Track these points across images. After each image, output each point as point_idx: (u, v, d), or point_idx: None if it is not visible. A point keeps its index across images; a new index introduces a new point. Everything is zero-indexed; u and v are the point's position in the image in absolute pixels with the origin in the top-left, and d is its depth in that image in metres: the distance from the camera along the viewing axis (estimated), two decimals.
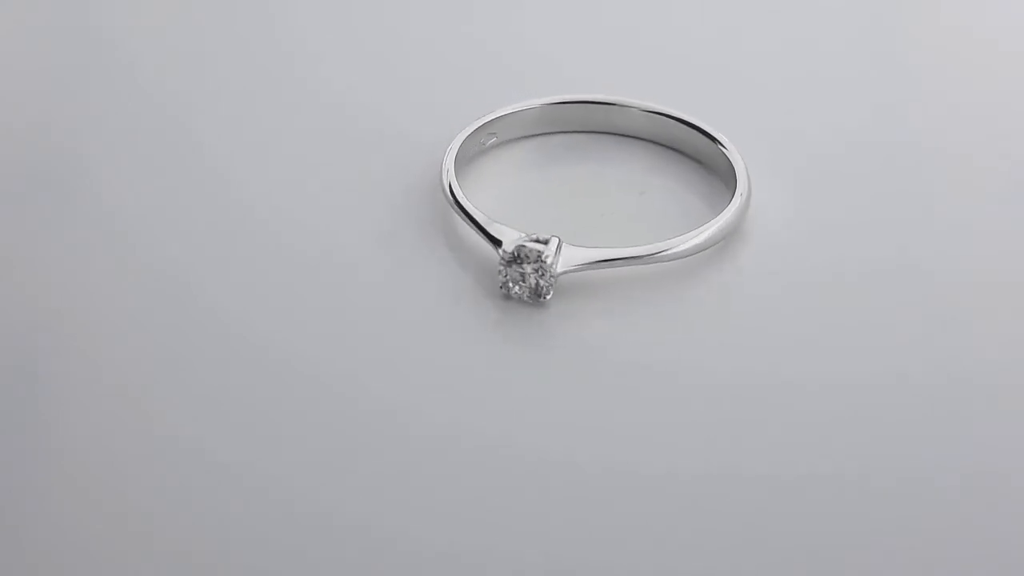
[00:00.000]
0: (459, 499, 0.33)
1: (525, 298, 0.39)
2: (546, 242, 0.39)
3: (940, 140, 0.45)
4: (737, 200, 0.41)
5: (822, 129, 0.46)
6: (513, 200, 0.42)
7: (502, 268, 0.38)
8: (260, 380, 0.36)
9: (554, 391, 0.36)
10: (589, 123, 0.45)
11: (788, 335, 0.38)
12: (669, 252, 0.39)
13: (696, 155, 0.44)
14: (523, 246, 0.38)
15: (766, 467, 0.34)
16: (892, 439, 0.35)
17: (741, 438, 0.35)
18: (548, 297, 0.39)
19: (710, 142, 0.43)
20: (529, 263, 0.38)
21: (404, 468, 0.34)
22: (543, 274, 0.38)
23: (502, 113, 0.44)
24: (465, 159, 0.43)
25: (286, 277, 0.40)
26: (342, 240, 0.41)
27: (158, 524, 0.33)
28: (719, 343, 0.38)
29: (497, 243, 0.39)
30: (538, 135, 0.45)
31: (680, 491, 0.34)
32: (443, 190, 0.41)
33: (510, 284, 0.39)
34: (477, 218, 0.40)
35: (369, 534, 0.33)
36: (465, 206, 0.40)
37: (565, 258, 0.39)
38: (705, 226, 0.40)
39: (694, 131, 0.44)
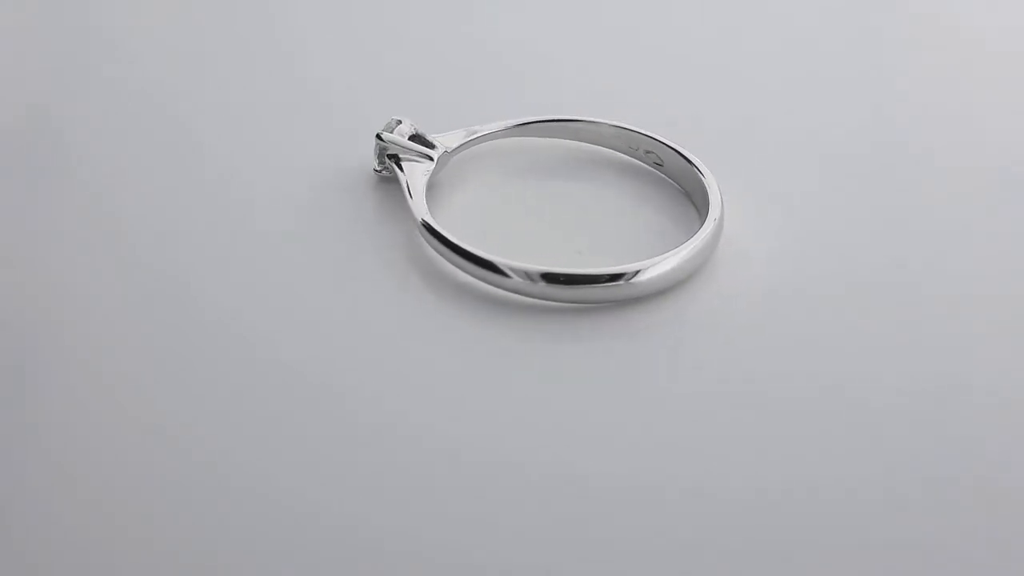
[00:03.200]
0: (460, 502, 0.34)
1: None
2: (425, 145, 0.42)
3: (934, 148, 0.45)
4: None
5: (809, 138, 0.46)
6: (477, 215, 0.42)
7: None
8: (248, 376, 0.37)
9: (521, 403, 0.36)
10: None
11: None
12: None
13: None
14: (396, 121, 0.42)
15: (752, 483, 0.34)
16: (882, 457, 0.35)
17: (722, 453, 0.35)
18: (376, 169, 0.42)
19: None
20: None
21: (384, 464, 0.35)
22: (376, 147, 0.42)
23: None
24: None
25: (282, 276, 0.40)
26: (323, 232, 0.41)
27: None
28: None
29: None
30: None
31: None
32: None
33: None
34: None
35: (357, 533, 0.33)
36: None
37: (409, 173, 0.41)
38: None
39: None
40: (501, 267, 0.38)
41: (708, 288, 0.39)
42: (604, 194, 0.43)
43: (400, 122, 0.42)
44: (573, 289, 0.38)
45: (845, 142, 0.45)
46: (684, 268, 0.39)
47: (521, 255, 0.38)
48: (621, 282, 0.38)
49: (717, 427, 0.35)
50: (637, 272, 0.38)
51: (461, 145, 0.43)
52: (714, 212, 0.40)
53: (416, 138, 0.42)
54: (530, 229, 0.41)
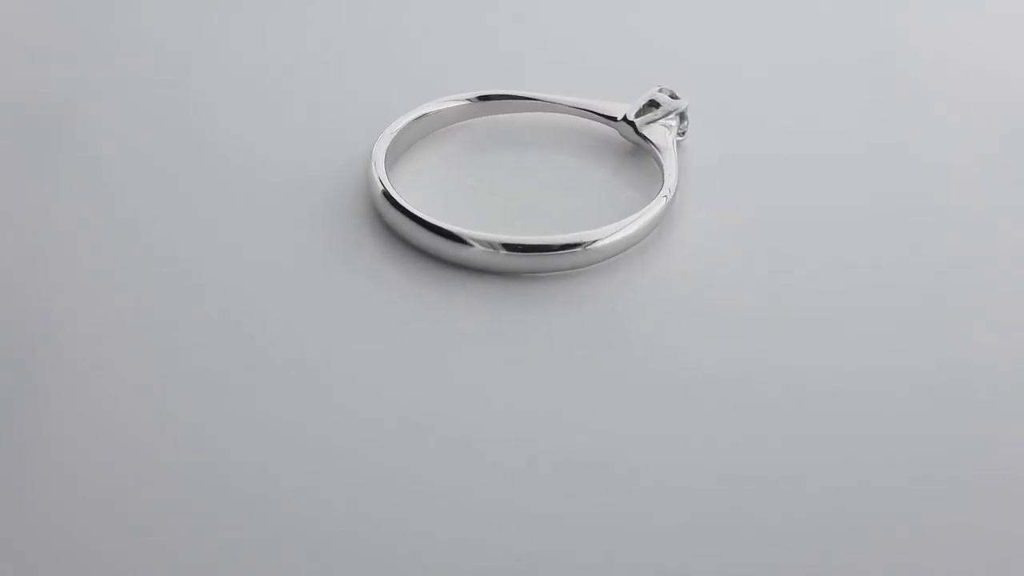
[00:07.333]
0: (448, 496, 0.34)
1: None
2: (647, 111, 0.43)
3: (899, 144, 0.45)
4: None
5: (772, 113, 0.46)
6: (435, 191, 0.42)
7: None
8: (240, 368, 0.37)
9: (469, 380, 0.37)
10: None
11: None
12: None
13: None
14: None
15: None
16: (830, 446, 0.35)
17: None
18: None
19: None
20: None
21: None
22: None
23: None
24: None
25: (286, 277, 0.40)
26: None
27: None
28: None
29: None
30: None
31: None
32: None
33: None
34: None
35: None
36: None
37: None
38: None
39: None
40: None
41: (662, 256, 0.40)
42: (570, 163, 0.43)
43: (673, 96, 0.43)
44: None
45: (807, 121, 0.45)
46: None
47: (479, 225, 0.39)
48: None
49: (672, 395, 0.36)
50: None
51: (647, 139, 0.43)
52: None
53: (653, 104, 0.43)
54: (487, 200, 0.42)
